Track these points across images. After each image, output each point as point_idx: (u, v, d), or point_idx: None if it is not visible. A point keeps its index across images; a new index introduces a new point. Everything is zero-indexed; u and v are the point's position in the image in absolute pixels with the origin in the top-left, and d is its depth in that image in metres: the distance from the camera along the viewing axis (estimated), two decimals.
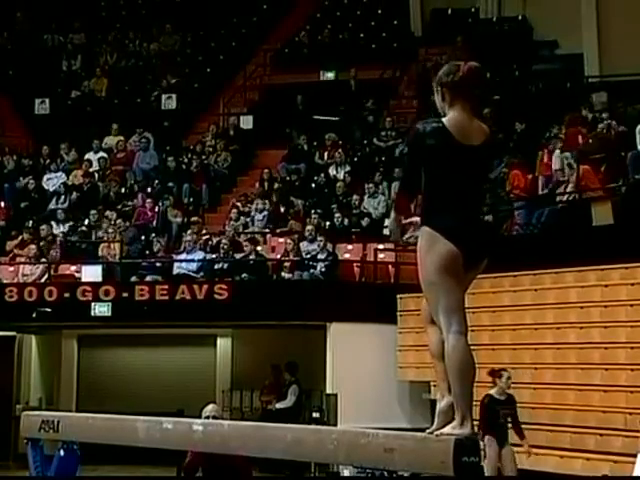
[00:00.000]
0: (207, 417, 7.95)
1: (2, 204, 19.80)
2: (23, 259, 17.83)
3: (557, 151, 15.80)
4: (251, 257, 16.83)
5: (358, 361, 15.59)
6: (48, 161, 21.09)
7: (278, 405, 16.70)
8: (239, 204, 18.86)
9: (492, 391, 11.03)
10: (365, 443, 4.90)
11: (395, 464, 4.77)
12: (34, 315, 16.47)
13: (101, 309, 16.32)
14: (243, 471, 8.01)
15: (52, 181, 20.38)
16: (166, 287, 16.29)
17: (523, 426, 11.29)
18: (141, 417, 6.27)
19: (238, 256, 16.97)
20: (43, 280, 17.20)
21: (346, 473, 13.98)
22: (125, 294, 16.38)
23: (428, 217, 4.55)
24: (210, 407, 8.31)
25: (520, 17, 22.28)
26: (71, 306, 16.42)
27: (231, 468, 7.78)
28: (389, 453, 4.71)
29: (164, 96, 22.49)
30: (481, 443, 10.59)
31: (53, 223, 18.92)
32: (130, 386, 18.81)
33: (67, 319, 16.91)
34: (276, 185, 19.26)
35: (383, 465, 4.87)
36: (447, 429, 4.57)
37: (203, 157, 20.71)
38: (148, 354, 19.26)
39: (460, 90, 4.59)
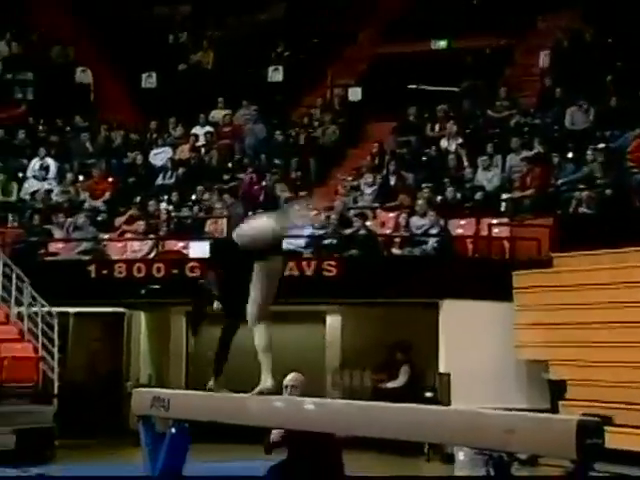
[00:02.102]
0: (286, 386, 7.70)
1: (110, 179, 19.74)
2: (131, 235, 17.73)
3: None
4: (360, 232, 16.38)
5: (472, 340, 15.03)
6: (155, 136, 20.97)
7: (389, 384, 16.31)
8: (350, 178, 18.40)
9: None
10: (484, 424, 4.79)
11: (515, 446, 4.66)
12: (143, 292, 16.33)
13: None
14: (331, 450, 7.50)
15: (159, 156, 20.25)
16: None
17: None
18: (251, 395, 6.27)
19: (347, 231, 16.55)
20: (151, 256, 17.06)
21: (461, 457, 13.51)
22: None
23: None
24: (291, 376, 7.97)
25: None
26: (179, 282, 16.22)
27: (318, 446, 7.29)
28: (509, 434, 4.59)
29: (270, 68, 22.16)
30: None
31: (161, 198, 18.77)
32: (239, 363, 18.46)
33: (175, 296, 16.71)
34: (386, 158, 18.71)
35: (502, 447, 4.75)
36: (257, 389, 6.30)
37: (311, 130, 20.32)
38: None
39: None
